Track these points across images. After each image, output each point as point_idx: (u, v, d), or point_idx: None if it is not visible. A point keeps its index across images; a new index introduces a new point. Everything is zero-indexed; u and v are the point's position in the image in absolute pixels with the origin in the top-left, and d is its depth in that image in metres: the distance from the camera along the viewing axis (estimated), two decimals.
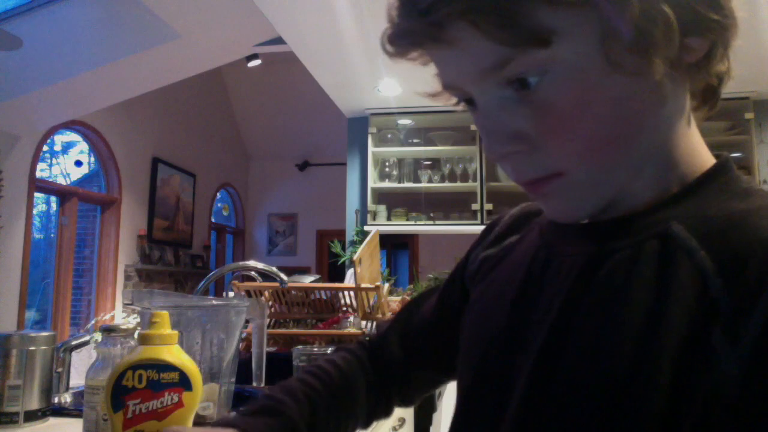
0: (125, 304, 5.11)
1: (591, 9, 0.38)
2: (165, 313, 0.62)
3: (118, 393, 0.59)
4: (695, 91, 0.45)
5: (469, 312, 0.58)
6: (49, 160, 5.22)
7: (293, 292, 1.91)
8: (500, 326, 0.50)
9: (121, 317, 5.01)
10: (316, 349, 1.22)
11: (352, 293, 1.91)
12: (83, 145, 5.26)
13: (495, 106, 0.42)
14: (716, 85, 0.45)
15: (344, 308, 1.95)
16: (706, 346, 0.35)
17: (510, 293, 0.51)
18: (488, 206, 4.04)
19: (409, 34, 0.41)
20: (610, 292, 0.41)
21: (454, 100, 0.49)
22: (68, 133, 5.03)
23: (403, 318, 0.71)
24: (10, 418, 0.92)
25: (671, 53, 0.39)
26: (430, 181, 4.24)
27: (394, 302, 2.58)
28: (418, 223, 4.23)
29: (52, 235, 4.95)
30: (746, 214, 0.39)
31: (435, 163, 4.32)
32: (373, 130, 4.35)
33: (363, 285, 1.83)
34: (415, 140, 4.40)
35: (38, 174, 4.56)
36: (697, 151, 0.45)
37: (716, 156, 0.46)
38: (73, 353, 1.12)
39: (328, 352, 1.20)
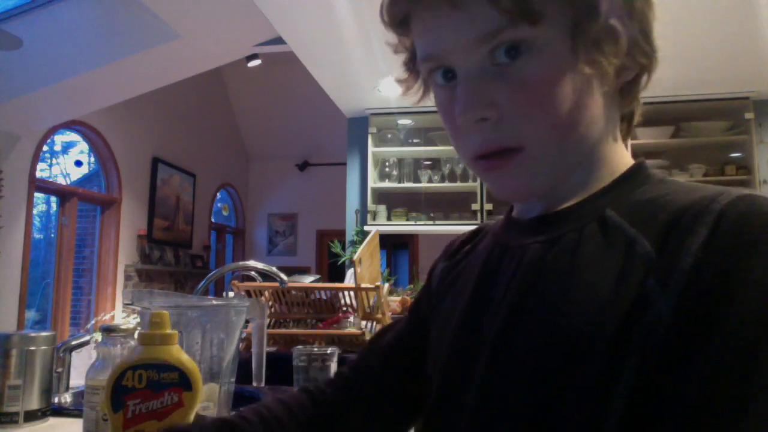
0: (125, 304, 5.11)
1: (570, 5, 0.46)
2: (165, 313, 0.62)
3: (118, 393, 0.59)
4: (623, 114, 0.55)
5: (435, 315, 0.63)
6: (49, 160, 5.22)
7: (293, 292, 1.91)
8: (464, 316, 0.56)
9: (121, 317, 5.01)
10: (316, 349, 1.22)
11: (352, 293, 1.91)
12: (83, 145, 5.26)
13: (477, 74, 0.48)
14: (631, 116, 0.56)
15: (344, 308, 1.95)
16: (642, 297, 0.42)
17: (469, 288, 0.57)
18: (488, 206, 4.04)
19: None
20: (559, 271, 0.49)
21: (417, 86, 0.58)
22: (68, 133, 5.03)
23: (366, 353, 0.72)
24: (10, 418, 0.92)
25: (618, 61, 0.48)
26: (430, 181, 4.24)
27: (394, 302, 2.58)
28: (418, 223, 4.23)
29: (52, 235, 4.96)
30: (663, 195, 0.48)
31: (435, 163, 4.32)
32: (373, 130, 4.35)
33: (363, 285, 1.83)
34: (415, 140, 4.40)
35: (38, 174, 4.56)
36: (621, 156, 0.54)
37: (635, 160, 0.55)
38: (73, 353, 1.12)
39: (328, 352, 1.21)
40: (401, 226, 4.29)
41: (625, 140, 0.56)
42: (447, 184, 4.21)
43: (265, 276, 1.73)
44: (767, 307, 0.38)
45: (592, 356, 0.43)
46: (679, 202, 0.46)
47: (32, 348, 0.95)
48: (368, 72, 3.57)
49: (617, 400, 0.42)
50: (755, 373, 0.38)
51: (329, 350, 1.21)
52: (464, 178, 4.17)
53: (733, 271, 0.40)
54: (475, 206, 4.08)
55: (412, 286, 4.22)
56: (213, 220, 7.24)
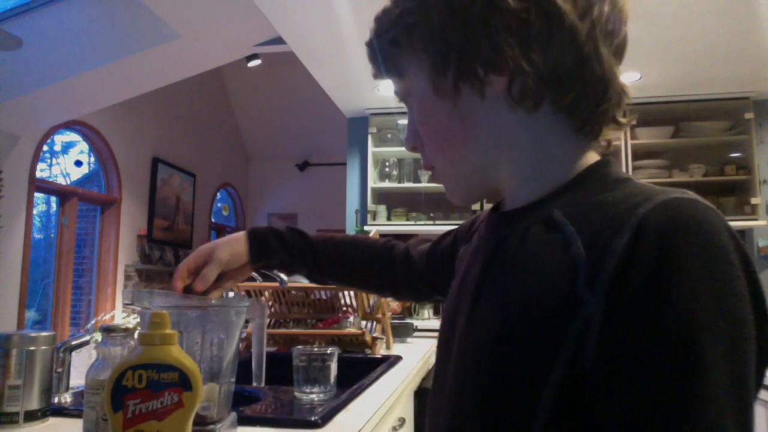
0: (125, 304, 5.10)
1: (416, 56, 0.58)
2: (165, 313, 0.62)
3: (118, 393, 0.59)
4: (576, 116, 0.56)
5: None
6: (49, 160, 5.22)
7: (293, 292, 1.91)
8: (451, 299, 0.65)
9: (121, 317, 5.01)
10: (316, 349, 1.22)
11: (352, 293, 1.91)
12: (83, 145, 5.26)
13: (408, 113, 0.64)
14: (590, 113, 0.56)
15: (344, 308, 1.95)
16: (572, 297, 0.46)
17: (461, 273, 0.66)
18: (488, 206, 4.03)
19: (374, 77, 0.68)
20: (505, 265, 0.55)
21: None
22: (68, 133, 5.03)
23: (424, 251, 0.93)
24: (10, 418, 0.92)
25: (472, 84, 0.55)
26: (430, 181, 4.24)
27: (394, 302, 2.58)
28: (418, 223, 4.23)
29: (52, 235, 4.96)
30: (607, 198, 0.51)
31: None
32: (373, 130, 4.36)
33: None
34: None
35: (38, 174, 4.56)
36: (577, 157, 0.57)
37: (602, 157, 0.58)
38: (73, 353, 1.12)
39: (328, 352, 1.20)
40: (401, 226, 4.29)
41: (591, 139, 0.58)
42: None
43: (265, 276, 1.73)
44: (697, 307, 0.41)
45: (525, 350, 0.47)
46: (616, 205, 0.48)
47: (32, 348, 0.95)
48: (368, 72, 3.53)
49: (548, 390, 0.45)
50: (694, 375, 0.40)
51: (329, 350, 1.22)
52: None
53: (660, 274, 0.42)
54: (475, 206, 4.08)
55: None
56: (213, 220, 7.23)
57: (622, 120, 0.57)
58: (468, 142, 0.58)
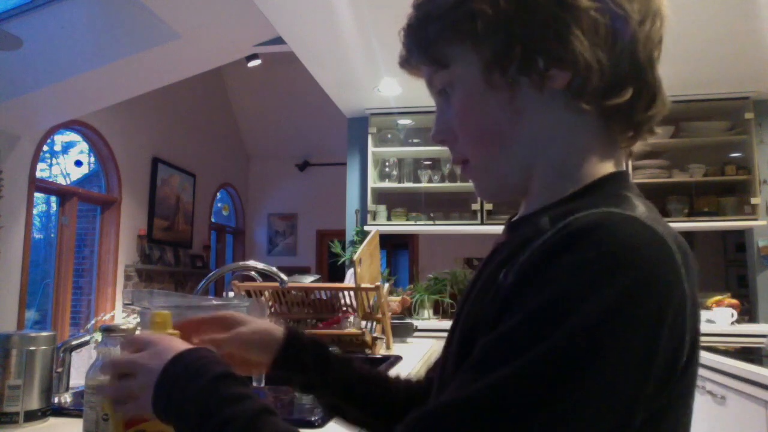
0: (125, 304, 5.10)
1: (474, 45, 0.56)
2: (167, 313, 0.62)
3: None
4: (613, 129, 0.57)
5: None
6: (49, 160, 5.22)
7: (293, 292, 1.91)
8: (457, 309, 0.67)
9: (121, 317, 5.00)
10: None
11: (352, 293, 1.91)
12: (83, 145, 5.26)
13: (438, 105, 0.62)
14: (637, 119, 0.57)
15: (344, 308, 1.95)
16: (499, 285, 0.50)
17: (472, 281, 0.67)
18: (488, 206, 4.04)
19: (400, 65, 0.65)
20: (488, 272, 0.56)
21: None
22: (68, 133, 5.03)
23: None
24: (10, 418, 0.92)
25: (531, 78, 0.54)
26: (430, 181, 4.24)
27: (394, 302, 2.58)
28: (418, 223, 4.23)
29: (52, 235, 4.96)
30: (583, 208, 0.50)
31: (435, 163, 4.32)
32: (373, 130, 4.35)
33: (363, 285, 1.83)
34: (415, 140, 4.40)
35: (38, 174, 4.56)
36: (597, 166, 0.57)
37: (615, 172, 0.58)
38: (73, 353, 1.12)
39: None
40: (401, 226, 4.29)
41: (625, 146, 0.59)
42: (447, 184, 4.21)
43: (265, 276, 1.73)
44: (570, 286, 0.44)
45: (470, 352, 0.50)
46: (579, 220, 0.49)
47: (32, 348, 0.95)
48: (368, 72, 3.57)
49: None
50: (550, 329, 0.43)
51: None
52: (464, 178, 4.17)
53: (540, 264, 0.46)
54: (475, 206, 4.08)
55: (412, 286, 4.22)
56: (213, 220, 7.23)
57: (659, 130, 0.60)
58: (513, 137, 0.57)
